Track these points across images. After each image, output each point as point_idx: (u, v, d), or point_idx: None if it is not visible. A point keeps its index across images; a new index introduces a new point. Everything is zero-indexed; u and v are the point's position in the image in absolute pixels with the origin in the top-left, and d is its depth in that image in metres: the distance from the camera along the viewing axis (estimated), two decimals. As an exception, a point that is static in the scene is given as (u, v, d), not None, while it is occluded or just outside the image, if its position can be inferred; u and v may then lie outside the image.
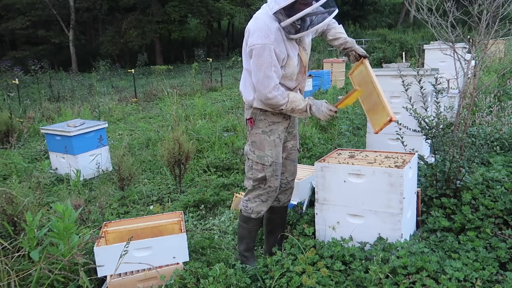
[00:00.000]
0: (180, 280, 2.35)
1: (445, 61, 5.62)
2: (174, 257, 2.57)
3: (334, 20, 2.56)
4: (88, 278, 2.27)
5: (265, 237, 2.84)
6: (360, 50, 2.54)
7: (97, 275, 2.48)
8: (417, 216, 2.78)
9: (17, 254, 2.53)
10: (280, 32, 2.27)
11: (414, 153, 2.74)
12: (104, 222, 2.85)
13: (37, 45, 27.74)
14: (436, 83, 3.03)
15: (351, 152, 2.84)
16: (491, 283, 2.11)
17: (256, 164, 2.49)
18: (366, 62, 2.51)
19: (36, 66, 11.93)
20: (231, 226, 3.39)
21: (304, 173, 3.60)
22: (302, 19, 2.26)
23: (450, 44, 2.95)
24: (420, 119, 2.96)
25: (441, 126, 2.94)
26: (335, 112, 2.37)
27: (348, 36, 2.63)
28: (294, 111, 2.37)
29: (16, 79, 10.49)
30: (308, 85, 9.46)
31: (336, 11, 2.33)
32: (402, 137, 3.04)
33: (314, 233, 2.72)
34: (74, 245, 2.41)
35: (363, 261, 2.29)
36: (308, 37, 2.49)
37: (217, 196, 4.02)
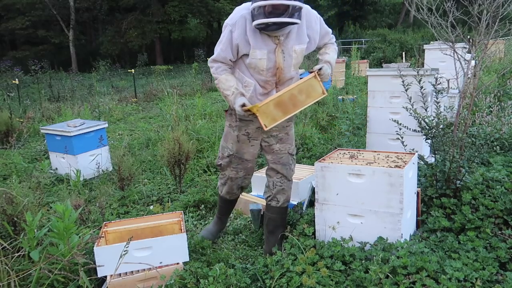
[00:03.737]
0: (180, 280, 2.35)
1: (445, 61, 5.62)
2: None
3: (333, 42, 2.69)
4: (88, 278, 2.27)
5: (265, 237, 2.85)
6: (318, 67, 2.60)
7: (97, 275, 2.48)
8: (417, 216, 2.78)
9: (17, 254, 2.53)
10: (245, 21, 2.38)
11: (414, 153, 2.74)
12: (104, 222, 2.85)
13: (37, 45, 27.80)
14: (436, 83, 3.03)
15: (351, 152, 2.84)
16: (491, 283, 2.11)
17: (219, 151, 2.84)
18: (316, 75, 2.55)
19: (36, 66, 11.90)
20: (231, 226, 3.39)
21: (304, 173, 3.60)
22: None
23: (450, 44, 2.95)
24: (420, 119, 2.96)
25: (441, 126, 2.93)
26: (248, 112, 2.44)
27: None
28: (223, 93, 2.51)
29: (16, 79, 10.48)
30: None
31: (297, 21, 2.30)
32: (402, 137, 3.05)
33: (314, 233, 2.72)
34: (74, 245, 2.41)
35: (363, 261, 2.29)
36: (295, 44, 2.46)
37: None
